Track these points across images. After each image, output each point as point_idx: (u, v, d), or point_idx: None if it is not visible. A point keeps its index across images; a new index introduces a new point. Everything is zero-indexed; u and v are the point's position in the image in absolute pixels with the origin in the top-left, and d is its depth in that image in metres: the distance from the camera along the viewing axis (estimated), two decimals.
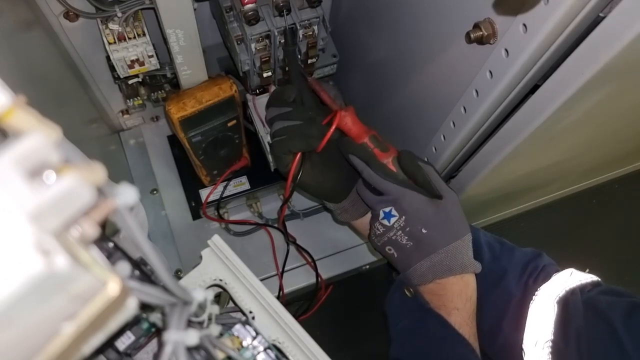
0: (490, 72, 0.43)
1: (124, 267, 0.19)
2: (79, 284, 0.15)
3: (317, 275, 0.75)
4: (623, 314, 0.41)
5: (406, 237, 0.47)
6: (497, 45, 0.41)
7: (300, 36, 0.58)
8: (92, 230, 0.15)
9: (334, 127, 0.51)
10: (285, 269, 0.75)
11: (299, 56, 0.61)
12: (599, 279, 0.47)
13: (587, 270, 0.48)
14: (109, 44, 0.53)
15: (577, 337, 0.43)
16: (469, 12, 0.43)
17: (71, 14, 0.57)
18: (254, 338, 0.33)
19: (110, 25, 0.52)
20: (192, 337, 0.23)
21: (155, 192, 0.79)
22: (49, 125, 0.14)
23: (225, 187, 0.76)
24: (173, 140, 0.82)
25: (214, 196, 0.76)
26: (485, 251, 0.50)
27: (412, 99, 0.62)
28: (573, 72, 0.37)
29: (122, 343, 0.31)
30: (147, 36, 0.54)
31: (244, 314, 0.36)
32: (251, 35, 0.55)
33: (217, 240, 0.37)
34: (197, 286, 0.36)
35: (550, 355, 0.43)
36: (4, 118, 0.14)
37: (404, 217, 0.47)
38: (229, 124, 0.64)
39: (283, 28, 0.56)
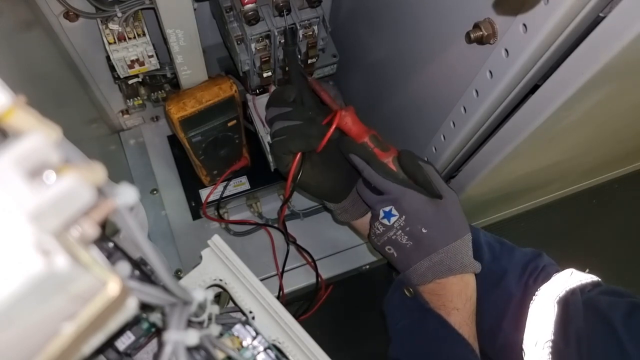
0: (490, 72, 0.43)
1: (124, 267, 0.19)
2: (79, 284, 0.15)
3: (317, 275, 0.75)
4: (623, 314, 0.41)
5: (406, 237, 0.47)
6: (497, 45, 0.41)
7: (300, 36, 0.58)
8: (92, 230, 0.15)
9: (334, 126, 0.51)
10: (285, 269, 0.75)
11: (299, 56, 0.61)
12: (599, 279, 0.47)
13: (587, 270, 0.48)
14: (109, 44, 0.53)
15: (577, 337, 0.43)
16: (469, 12, 0.43)
17: (71, 14, 0.57)
18: (254, 338, 0.33)
19: (110, 25, 0.52)
20: (192, 337, 0.23)
21: (155, 192, 0.79)
22: (49, 125, 0.14)
23: (225, 187, 0.76)
24: (173, 140, 0.82)
25: (214, 196, 0.76)
26: (485, 251, 0.50)
27: (412, 99, 0.62)
28: (573, 72, 0.37)
29: (122, 343, 0.31)
30: (147, 36, 0.54)
31: (244, 314, 0.36)
32: (251, 35, 0.55)
33: (217, 240, 0.37)
34: (197, 286, 0.36)
35: (550, 356, 0.43)
36: (4, 118, 0.14)
37: (404, 217, 0.47)
38: (229, 124, 0.64)
39: (283, 28, 0.56)
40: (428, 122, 0.58)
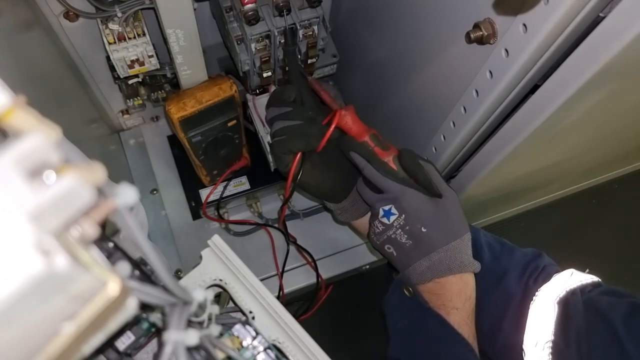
0: (490, 72, 0.43)
1: (124, 267, 0.19)
2: (79, 284, 0.15)
3: (317, 275, 0.75)
4: (623, 315, 0.41)
5: (405, 236, 0.47)
6: (497, 45, 0.41)
7: (300, 36, 0.58)
8: (92, 230, 0.15)
9: (333, 126, 0.51)
10: (285, 269, 0.75)
11: (299, 56, 0.61)
12: (600, 280, 0.47)
13: (587, 270, 0.48)
14: (109, 44, 0.53)
15: (578, 337, 0.43)
16: (469, 12, 0.43)
17: (71, 14, 0.57)
18: (254, 338, 0.33)
19: (110, 25, 0.52)
20: (192, 337, 0.23)
21: (155, 192, 0.79)
22: (49, 125, 0.14)
23: (225, 187, 0.76)
24: (173, 140, 0.82)
25: (214, 196, 0.76)
26: (486, 251, 0.50)
27: (412, 99, 0.62)
28: (573, 72, 0.37)
29: (122, 343, 0.31)
30: (147, 36, 0.54)
31: (244, 314, 0.36)
32: (251, 35, 0.55)
33: (217, 240, 0.37)
34: (197, 286, 0.36)
35: (550, 356, 0.43)
36: (4, 118, 0.14)
37: (403, 216, 0.47)
38: (229, 124, 0.64)
39: (283, 28, 0.56)
40: (428, 122, 0.58)
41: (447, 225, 0.47)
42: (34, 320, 0.14)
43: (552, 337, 0.44)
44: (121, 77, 0.59)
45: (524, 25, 0.37)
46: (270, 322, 0.35)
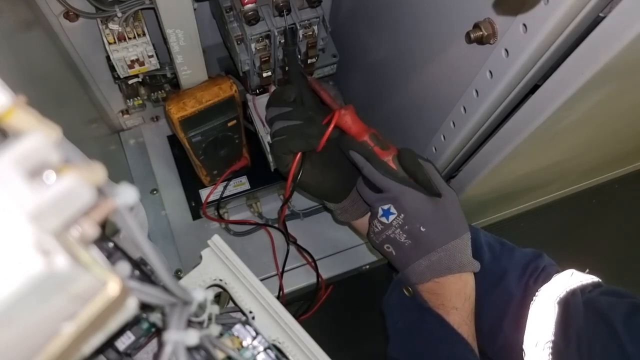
0: (490, 72, 0.43)
1: (124, 267, 0.19)
2: (79, 284, 0.15)
3: (317, 275, 0.75)
4: (624, 315, 0.41)
5: (404, 235, 0.47)
6: (497, 45, 0.41)
7: (300, 36, 0.58)
8: (92, 230, 0.15)
9: (333, 125, 0.51)
10: (285, 269, 0.75)
11: (299, 56, 0.61)
12: (600, 280, 0.47)
13: (587, 270, 0.48)
14: (109, 44, 0.53)
15: (578, 337, 0.43)
16: (469, 12, 0.43)
17: (71, 14, 0.57)
18: (254, 338, 0.33)
19: (110, 25, 0.52)
20: (192, 337, 0.23)
21: (155, 192, 0.79)
22: (49, 125, 0.14)
23: (225, 187, 0.76)
24: (173, 140, 0.82)
25: (214, 196, 0.76)
26: (486, 251, 0.50)
27: (412, 99, 0.62)
28: (573, 72, 0.37)
29: (122, 343, 0.31)
30: (147, 36, 0.54)
31: (244, 314, 0.36)
32: (251, 35, 0.55)
33: (217, 240, 0.37)
34: (197, 286, 0.36)
35: (550, 356, 0.43)
36: (4, 118, 0.14)
37: (402, 215, 0.47)
38: (229, 124, 0.64)
39: (283, 28, 0.56)
40: (428, 122, 0.58)
41: (446, 225, 0.47)
42: (34, 320, 0.14)
43: (552, 337, 0.44)
44: (121, 77, 0.59)
45: (524, 25, 0.37)
46: (270, 322, 0.35)
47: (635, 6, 0.30)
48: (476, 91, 0.46)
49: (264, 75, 0.61)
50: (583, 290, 0.45)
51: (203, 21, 0.66)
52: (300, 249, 0.76)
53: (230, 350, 0.29)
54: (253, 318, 0.35)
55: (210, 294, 0.27)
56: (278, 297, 0.74)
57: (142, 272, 0.26)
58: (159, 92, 0.71)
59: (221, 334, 0.31)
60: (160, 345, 0.28)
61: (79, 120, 0.65)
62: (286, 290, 0.74)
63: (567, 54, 0.37)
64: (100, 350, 0.30)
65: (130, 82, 0.66)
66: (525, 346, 0.46)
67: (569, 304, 0.44)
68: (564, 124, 0.45)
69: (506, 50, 0.40)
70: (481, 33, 0.41)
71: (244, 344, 0.33)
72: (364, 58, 0.71)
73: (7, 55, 0.44)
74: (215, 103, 0.58)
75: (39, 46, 0.55)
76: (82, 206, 0.15)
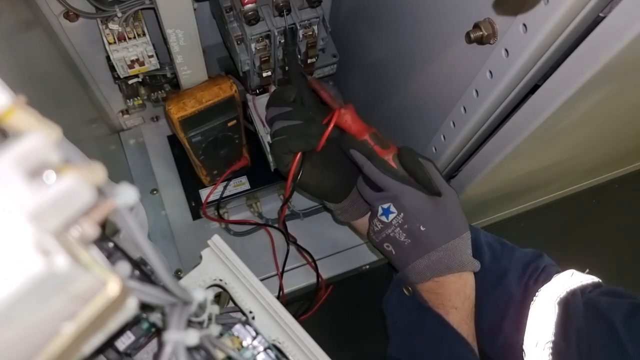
0: (490, 72, 0.43)
1: (124, 267, 0.19)
2: (79, 284, 0.15)
3: (317, 275, 0.75)
4: (624, 315, 0.41)
5: (404, 235, 0.47)
6: (497, 45, 0.41)
7: (300, 36, 0.58)
8: (92, 230, 0.15)
9: (332, 124, 0.51)
10: (285, 269, 0.75)
11: (299, 56, 0.61)
12: (600, 280, 0.47)
13: (587, 270, 0.48)
14: (109, 44, 0.53)
15: (578, 338, 0.43)
16: (469, 12, 0.43)
17: (71, 14, 0.57)
18: (254, 338, 0.33)
19: (110, 25, 0.52)
20: (192, 337, 0.23)
21: (155, 192, 0.79)
22: (49, 125, 0.14)
23: (225, 187, 0.76)
24: (173, 140, 0.82)
25: (214, 196, 0.76)
26: (486, 251, 0.50)
27: (412, 99, 0.62)
28: (573, 72, 0.37)
29: (122, 343, 0.31)
30: (147, 36, 0.54)
31: (244, 314, 0.36)
32: (251, 35, 0.55)
33: (217, 240, 0.37)
34: (197, 286, 0.36)
35: (551, 356, 0.43)
36: (4, 118, 0.14)
37: (402, 214, 0.47)
38: (229, 124, 0.64)
39: (283, 28, 0.56)
40: (428, 122, 0.58)
41: (446, 224, 0.46)
42: (34, 320, 0.14)
43: (552, 338, 0.44)
44: (121, 77, 0.59)
45: (524, 25, 0.37)
46: (270, 322, 0.35)
47: (635, 6, 0.30)
48: (476, 91, 0.46)
49: (264, 75, 0.61)
50: (583, 290, 0.45)
51: (203, 21, 0.66)
52: (300, 249, 0.76)
53: (230, 350, 0.29)
54: (253, 318, 0.35)
55: (210, 294, 0.27)
56: (278, 297, 0.74)
57: (142, 272, 0.26)
58: (159, 92, 0.71)
59: (221, 334, 0.31)
60: (160, 345, 0.28)
61: (79, 120, 0.65)
62: (286, 290, 0.74)
63: (567, 54, 0.37)
64: (100, 350, 0.30)
65: (130, 82, 0.66)
66: (525, 346, 0.46)
67: (569, 304, 0.44)
68: (564, 124, 0.45)
69: (506, 50, 0.40)
70: (481, 33, 0.41)
71: (244, 344, 0.33)
72: (364, 58, 0.71)
73: (7, 55, 0.44)
74: (215, 103, 0.58)
75: (39, 46, 0.55)
76: (82, 206, 0.15)
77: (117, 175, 0.74)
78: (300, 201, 0.82)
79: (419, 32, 0.54)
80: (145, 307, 0.27)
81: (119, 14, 0.51)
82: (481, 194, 0.62)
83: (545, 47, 0.37)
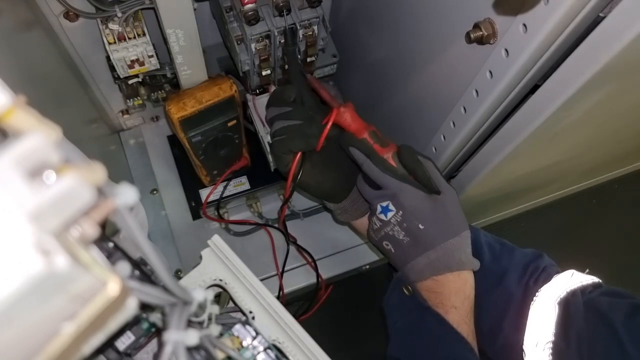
0: (490, 72, 0.43)
1: (124, 267, 0.19)
2: (79, 284, 0.15)
3: (317, 275, 0.75)
4: (624, 315, 0.41)
5: (403, 233, 0.47)
6: (497, 45, 0.41)
7: (300, 36, 0.58)
8: (92, 230, 0.15)
9: (331, 122, 0.51)
10: (285, 269, 0.75)
11: (299, 56, 0.61)
12: (600, 281, 0.47)
13: (587, 270, 0.48)
14: (109, 44, 0.53)
15: (578, 338, 0.43)
16: (469, 12, 0.43)
17: (71, 14, 0.57)
18: (254, 338, 0.33)
19: (110, 25, 0.52)
20: (192, 337, 0.23)
21: (155, 192, 0.79)
22: (49, 125, 0.14)
23: (225, 187, 0.76)
24: (173, 140, 0.82)
25: (214, 196, 0.76)
26: (486, 251, 0.50)
27: (412, 99, 0.62)
28: (573, 72, 0.37)
29: (122, 343, 0.31)
30: (147, 36, 0.54)
31: (244, 314, 0.36)
32: (251, 35, 0.55)
33: (217, 240, 0.37)
34: (197, 286, 0.36)
35: (551, 357, 0.43)
36: (4, 118, 0.14)
37: (400, 212, 0.47)
38: (229, 124, 0.64)
39: (283, 28, 0.56)
40: (428, 122, 0.58)
41: (445, 223, 0.46)
42: (34, 320, 0.14)
43: (552, 338, 0.44)
44: (121, 77, 0.59)
45: (524, 25, 0.37)
46: (270, 322, 0.35)
47: (635, 6, 0.30)
48: (476, 91, 0.46)
49: (263, 73, 0.61)
50: (583, 290, 0.45)
51: (203, 21, 0.66)
52: (300, 249, 0.76)
53: (230, 350, 0.29)
54: (253, 318, 0.35)
55: (210, 294, 0.27)
56: (278, 297, 0.74)
57: (142, 272, 0.26)
58: (159, 92, 0.71)
59: (221, 334, 0.31)
60: (160, 345, 0.28)
61: (79, 120, 0.65)
62: (286, 290, 0.74)
63: (567, 54, 0.37)
64: (100, 350, 0.30)
65: (130, 82, 0.66)
66: (525, 346, 0.45)
67: (569, 305, 0.44)
68: (564, 124, 0.45)
69: (506, 50, 0.40)
70: (481, 33, 0.41)
71: (244, 344, 0.33)
72: (364, 58, 0.71)
73: (7, 55, 0.44)
74: (215, 103, 0.58)
75: (39, 46, 0.55)
76: (82, 206, 0.15)
77: (117, 175, 0.74)
78: (300, 201, 0.82)
79: (419, 32, 0.54)
80: (145, 307, 0.27)
81: (119, 14, 0.51)
82: (481, 194, 0.62)
83: (545, 47, 0.37)
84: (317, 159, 0.54)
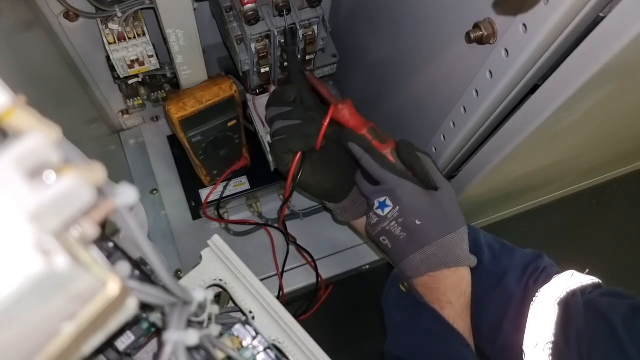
0: (490, 72, 0.43)
1: (124, 267, 0.19)
2: (79, 284, 0.15)
3: (317, 275, 0.75)
4: (624, 316, 0.41)
5: (400, 228, 0.47)
6: (497, 45, 0.41)
7: (300, 36, 0.58)
8: (92, 230, 0.15)
9: (329, 117, 0.51)
10: (285, 269, 0.75)
11: (299, 55, 0.61)
12: (600, 281, 0.47)
13: (587, 270, 0.48)
14: (109, 44, 0.53)
15: (578, 338, 0.43)
16: (469, 12, 0.43)
17: (71, 14, 0.57)
18: (254, 338, 0.33)
19: (110, 25, 0.52)
20: (192, 337, 0.23)
21: (155, 192, 0.79)
22: (49, 125, 0.14)
23: (225, 187, 0.76)
24: (173, 140, 0.82)
25: (214, 196, 0.76)
26: (486, 252, 0.50)
27: (412, 99, 0.62)
28: (573, 72, 0.37)
29: (122, 343, 0.31)
30: (147, 36, 0.54)
31: (244, 314, 0.36)
32: (251, 35, 0.55)
33: (217, 240, 0.37)
34: (197, 286, 0.36)
35: (550, 357, 0.43)
36: (4, 118, 0.14)
37: (397, 208, 0.47)
38: (229, 124, 0.64)
39: (283, 28, 0.56)
40: (428, 122, 0.58)
41: (442, 219, 0.46)
42: (34, 320, 0.14)
43: (552, 338, 0.44)
44: (121, 77, 0.59)
45: (524, 25, 0.37)
46: (270, 322, 0.35)
47: (635, 6, 0.30)
48: (476, 91, 0.46)
49: (262, 71, 0.61)
50: (583, 291, 0.45)
51: (203, 21, 0.66)
52: (300, 249, 0.76)
53: (230, 350, 0.29)
54: (253, 318, 0.35)
55: (210, 294, 0.27)
56: (278, 297, 0.74)
57: (142, 272, 0.26)
58: (159, 92, 0.71)
59: (221, 334, 0.31)
60: (160, 345, 0.28)
61: (79, 120, 0.65)
62: (286, 290, 0.74)
63: (567, 54, 0.37)
64: (100, 350, 0.30)
65: (130, 82, 0.66)
66: (525, 347, 0.45)
67: (569, 305, 0.44)
68: (564, 124, 0.45)
69: (506, 50, 0.40)
70: (481, 33, 0.41)
71: (244, 344, 0.33)
72: (364, 58, 0.71)
73: (7, 55, 0.44)
74: (215, 103, 0.58)
75: (39, 46, 0.55)
76: (82, 206, 0.15)
77: (117, 175, 0.74)
78: (300, 201, 0.82)
79: (419, 32, 0.54)
80: (145, 307, 0.27)
81: (119, 14, 0.51)
82: (481, 194, 0.62)
83: (545, 47, 0.37)
84: (317, 158, 0.54)
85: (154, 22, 0.53)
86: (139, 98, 0.72)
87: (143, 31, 0.54)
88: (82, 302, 0.15)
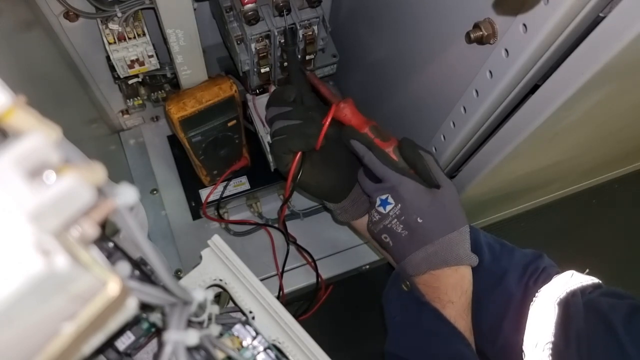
0: (490, 72, 0.43)
1: (124, 267, 0.19)
2: (79, 284, 0.15)
3: (317, 275, 0.75)
4: (624, 316, 0.41)
5: (401, 226, 0.47)
6: (497, 45, 0.41)
7: (300, 36, 0.58)
8: (92, 230, 0.15)
9: (330, 117, 0.51)
10: (285, 269, 0.75)
11: (299, 55, 0.61)
12: (600, 281, 0.47)
13: (587, 270, 0.48)
14: (109, 44, 0.53)
15: (578, 339, 0.43)
16: (469, 12, 0.43)
17: (71, 14, 0.57)
18: (254, 338, 0.33)
19: (110, 25, 0.52)
20: (192, 337, 0.23)
21: (155, 192, 0.79)
22: (49, 125, 0.14)
23: (225, 187, 0.76)
24: (173, 140, 0.82)
25: (214, 196, 0.76)
26: (486, 252, 0.50)
27: (412, 99, 0.62)
28: (573, 72, 0.37)
29: (122, 343, 0.31)
30: (147, 36, 0.54)
31: (244, 314, 0.36)
32: (251, 35, 0.55)
33: (217, 240, 0.37)
34: (197, 286, 0.36)
35: (550, 357, 0.43)
36: (4, 118, 0.14)
37: (399, 205, 0.47)
38: (229, 124, 0.64)
39: (283, 28, 0.56)
40: (428, 122, 0.58)
41: (443, 217, 0.46)
42: (34, 320, 0.14)
43: (552, 338, 0.44)
44: (121, 77, 0.59)
45: (524, 25, 0.37)
46: (270, 322, 0.35)
47: (635, 6, 0.30)
48: (476, 91, 0.46)
49: (262, 71, 0.61)
50: (583, 291, 0.45)
51: (203, 21, 0.66)
52: (300, 249, 0.76)
53: (230, 350, 0.29)
54: (253, 318, 0.35)
55: (210, 294, 0.27)
56: (278, 297, 0.74)
57: (142, 272, 0.26)
58: (159, 92, 0.71)
59: (221, 334, 0.31)
60: (160, 345, 0.28)
61: (79, 120, 0.65)
62: (286, 290, 0.74)
63: (567, 54, 0.37)
64: (100, 350, 0.30)
65: (130, 82, 0.66)
66: (525, 347, 0.45)
67: (569, 305, 0.44)
68: (564, 124, 0.45)
69: (506, 50, 0.40)
70: (481, 33, 0.41)
71: (244, 344, 0.33)
72: (364, 58, 0.71)
73: (7, 55, 0.44)
74: (215, 103, 0.58)
75: (39, 46, 0.55)
76: (82, 206, 0.15)
77: (117, 175, 0.74)
78: (300, 201, 0.82)
79: (419, 32, 0.54)
80: (145, 307, 0.27)
81: (119, 14, 0.51)
82: (481, 194, 0.62)
83: (545, 47, 0.37)
84: (317, 158, 0.54)
85: (154, 22, 0.53)
86: (139, 98, 0.72)
87: (143, 31, 0.54)
88: (82, 302, 0.15)
